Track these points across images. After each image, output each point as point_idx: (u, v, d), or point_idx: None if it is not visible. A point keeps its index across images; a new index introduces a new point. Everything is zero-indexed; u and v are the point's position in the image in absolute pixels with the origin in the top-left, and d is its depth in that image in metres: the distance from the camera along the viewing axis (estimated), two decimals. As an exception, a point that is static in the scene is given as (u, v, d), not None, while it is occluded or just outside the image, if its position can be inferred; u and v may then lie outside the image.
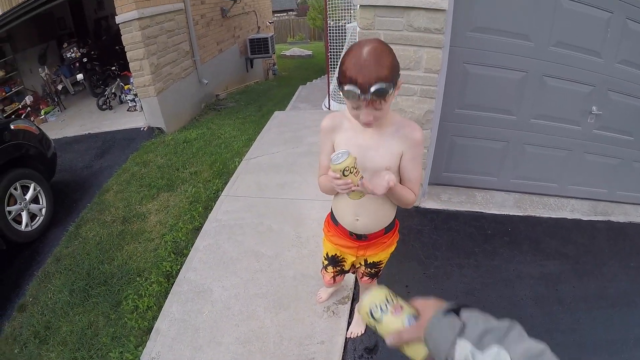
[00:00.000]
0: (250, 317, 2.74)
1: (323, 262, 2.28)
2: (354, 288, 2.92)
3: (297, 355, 2.48)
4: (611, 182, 4.03)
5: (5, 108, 7.79)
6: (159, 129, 6.65)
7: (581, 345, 2.60)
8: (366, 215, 1.83)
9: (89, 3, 9.62)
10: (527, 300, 2.90)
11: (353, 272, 2.31)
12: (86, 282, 3.35)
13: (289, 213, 3.78)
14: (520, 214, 3.83)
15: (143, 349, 2.64)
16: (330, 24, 6.65)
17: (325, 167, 1.80)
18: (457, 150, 3.93)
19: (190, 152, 5.62)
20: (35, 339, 2.95)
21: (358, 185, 1.47)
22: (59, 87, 8.58)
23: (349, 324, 2.69)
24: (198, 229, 3.73)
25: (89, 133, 6.76)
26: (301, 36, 25.25)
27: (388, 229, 1.94)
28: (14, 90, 8.15)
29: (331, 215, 2.04)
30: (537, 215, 3.84)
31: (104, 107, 7.71)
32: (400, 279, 3.05)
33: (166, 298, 2.98)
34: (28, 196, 4.06)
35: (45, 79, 8.24)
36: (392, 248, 2.08)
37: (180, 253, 3.52)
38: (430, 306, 1.00)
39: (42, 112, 8.08)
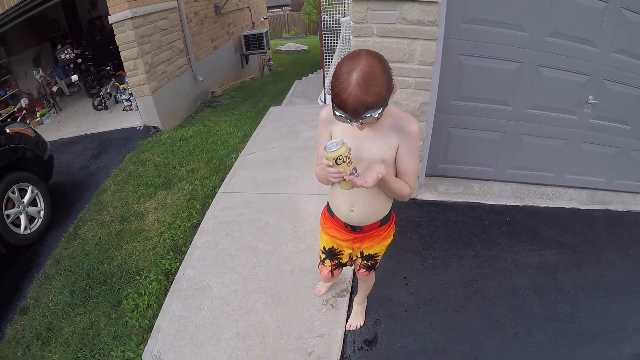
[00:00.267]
0: (250, 312, 2.75)
1: (320, 256, 2.28)
2: (352, 281, 2.93)
3: (297, 349, 2.49)
4: (609, 171, 4.03)
5: (0, 112, 7.74)
6: (155, 127, 6.63)
7: (580, 334, 2.61)
8: (361, 206, 1.82)
9: (82, 3, 9.58)
10: (526, 290, 2.91)
11: (350, 265, 2.30)
12: (86, 282, 3.35)
13: (286, 208, 3.78)
14: (518, 204, 3.83)
15: (144, 347, 2.65)
16: (325, 18, 6.64)
17: (322, 157, 1.80)
18: (454, 142, 3.92)
19: (187, 150, 5.61)
20: (38, 341, 2.95)
21: (351, 175, 1.49)
22: (54, 88, 8.55)
23: (348, 316, 2.70)
24: (196, 226, 3.73)
25: (85, 134, 6.74)
26: (296, 31, 25.17)
27: (384, 222, 1.94)
28: (9, 93, 8.10)
29: (327, 207, 2.05)
30: (535, 205, 3.84)
31: (99, 107, 7.68)
32: (399, 271, 3.06)
33: (166, 296, 2.99)
34: (26, 199, 4.05)
35: (40, 81, 8.20)
36: (388, 241, 2.08)
37: (179, 251, 3.52)
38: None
39: (38, 114, 8.05)
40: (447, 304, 2.80)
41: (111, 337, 2.83)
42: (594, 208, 3.86)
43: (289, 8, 27.35)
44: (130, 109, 7.30)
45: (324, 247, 2.20)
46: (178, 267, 3.26)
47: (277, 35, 23.84)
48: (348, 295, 2.84)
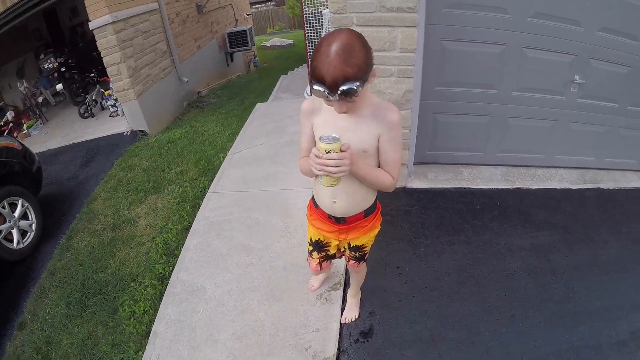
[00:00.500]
0: (245, 311, 2.74)
1: (308, 248, 2.27)
2: (345, 274, 2.91)
3: (294, 345, 2.49)
4: (599, 149, 4.03)
5: (-14, 126, 7.67)
6: (142, 131, 6.57)
7: (577, 314, 2.60)
8: (343, 197, 1.81)
9: (63, 11, 9.46)
10: (520, 273, 2.90)
11: (340, 257, 2.29)
12: (82, 293, 3.33)
13: (275, 204, 3.77)
14: (509, 187, 3.83)
15: (143, 353, 2.63)
16: (308, 11, 6.61)
17: (305, 149, 1.81)
18: (441, 128, 3.91)
19: (175, 152, 5.56)
20: (38, 355, 2.92)
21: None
22: (40, 99, 8.45)
23: (343, 309, 2.69)
24: (187, 229, 3.71)
25: (72, 143, 6.66)
26: (281, 26, 24.98)
27: (368, 212, 1.93)
28: (-6, 107, 8.02)
29: (313, 199, 2.03)
30: (526, 187, 3.83)
31: (85, 115, 7.60)
32: (391, 260, 3.04)
33: (161, 300, 2.97)
34: (17, 213, 3.99)
35: (24, 92, 8.11)
36: (375, 231, 2.06)
37: (172, 254, 3.50)
38: None
39: (25, 126, 7.94)
40: (441, 291, 2.79)
41: (110, 346, 2.81)
42: (585, 187, 3.86)
43: (273, 3, 27.10)
44: (117, 115, 7.23)
45: (311, 239, 2.18)
46: (172, 271, 3.23)
47: (262, 31, 23.65)
48: (342, 288, 2.83)
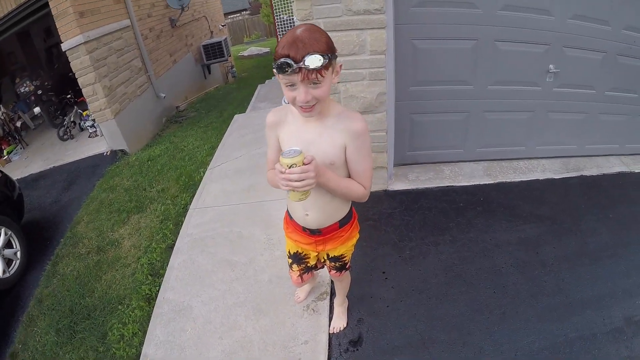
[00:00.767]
0: (233, 327, 2.71)
1: (288, 261, 2.22)
2: (331, 283, 2.86)
3: (284, 359, 2.45)
4: (579, 137, 4.03)
5: (-34, 155, 7.57)
6: (122, 151, 6.50)
7: (569, 305, 2.58)
8: (315, 210, 1.77)
9: (37, 33, 9.36)
10: (509, 268, 2.87)
11: (321, 267, 2.25)
12: (70, 319, 3.28)
13: (257, 216, 3.73)
14: (491, 182, 3.81)
15: (134, 376, 2.58)
16: (283, 17, 6.61)
17: (272, 161, 1.79)
18: (418, 128, 3.88)
19: (156, 170, 5.51)
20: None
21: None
22: (18, 123, 8.33)
23: (331, 319, 2.65)
24: (171, 247, 3.66)
25: (53, 167, 6.59)
26: (257, 34, 24.95)
27: (343, 223, 1.89)
28: (-28, 135, 7.91)
29: (288, 211, 1.99)
30: (508, 180, 3.82)
31: (65, 137, 7.51)
32: (377, 266, 3.00)
33: (149, 322, 2.93)
34: (0, 242, 3.94)
35: (2, 117, 8.02)
36: (353, 240, 2.02)
37: (157, 274, 3.46)
38: None
39: (5, 152, 7.84)
40: (429, 293, 2.75)
41: (101, 371, 2.76)
42: (568, 176, 3.85)
43: (248, 12, 27.14)
44: (96, 135, 7.15)
45: (289, 252, 2.15)
46: (158, 291, 3.19)
47: (239, 41, 23.66)
48: (328, 297, 2.79)
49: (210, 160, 5.14)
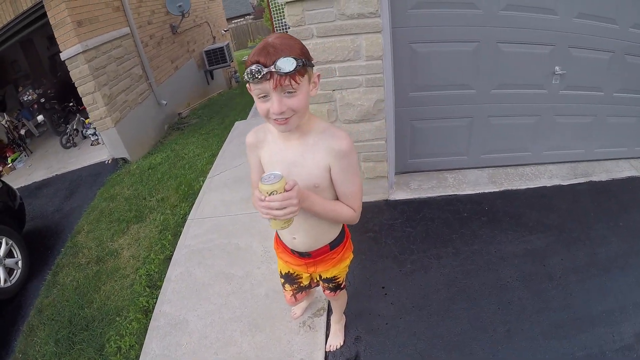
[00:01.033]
0: (228, 343, 2.68)
1: (280, 281, 2.15)
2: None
3: (279, 377, 2.39)
4: (587, 141, 3.91)
5: (-29, 163, 7.62)
6: (123, 159, 6.50)
7: (577, 320, 2.47)
8: (303, 233, 1.68)
9: (40, 41, 9.40)
10: (514, 282, 2.77)
11: (315, 286, 2.18)
12: (69, 329, 3.28)
13: (254, 228, 3.67)
14: (496, 190, 3.70)
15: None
16: (283, 21, 6.56)
17: (256, 182, 1.67)
18: (419, 135, 3.78)
19: (156, 178, 5.49)
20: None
21: None
22: (22, 131, 8.41)
23: (327, 336, 2.58)
24: (169, 258, 3.64)
25: (55, 175, 6.63)
26: (261, 39, 25.02)
27: (334, 245, 1.79)
28: (-23, 143, 7.96)
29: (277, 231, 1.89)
30: (514, 188, 3.70)
31: (68, 145, 7.53)
32: (376, 280, 2.91)
33: (146, 335, 2.92)
34: (1, 252, 3.94)
35: (6, 126, 8.09)
36: (346, 262, 1.93)
37: (155, 285, 3.44)
38: None
39: (9, 159, 7.89)
40: (430, 309, 2.65)
41: (98, 384, 2.73)
42: (576, 182, 3.73)
43: (251, 17, 27.27)
44: (98, 143, 7.17)
45: (281, 272, 2.07)
46: (155, 304, 3.17)
47: (243, 46, 23.77)
48: (325, 314, 2.72)
49: (210, 169, 5.11)
